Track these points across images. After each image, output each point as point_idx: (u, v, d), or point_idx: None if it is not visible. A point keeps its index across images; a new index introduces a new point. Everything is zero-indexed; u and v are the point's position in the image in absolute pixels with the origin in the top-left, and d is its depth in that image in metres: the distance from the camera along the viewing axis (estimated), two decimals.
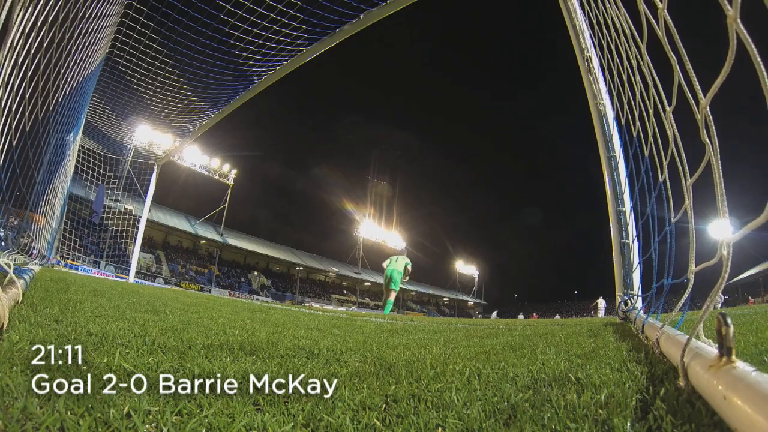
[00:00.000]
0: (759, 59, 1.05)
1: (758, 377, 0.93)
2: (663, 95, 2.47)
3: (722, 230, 1.29)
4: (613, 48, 4.74)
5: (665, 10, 1.78)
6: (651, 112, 2.98)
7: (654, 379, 1.58)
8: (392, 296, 14.21)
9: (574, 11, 7.41)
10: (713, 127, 1.39)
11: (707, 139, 1.41)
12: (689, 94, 1.59)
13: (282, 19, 11.57)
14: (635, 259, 5.56)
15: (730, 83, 1.25)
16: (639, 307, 4.67)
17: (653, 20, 2.03)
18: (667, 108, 2.16)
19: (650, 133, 3.11)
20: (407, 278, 14.54)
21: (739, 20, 1.11)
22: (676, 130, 2.22)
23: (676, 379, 1.41)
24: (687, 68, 1.60)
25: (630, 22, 3.28)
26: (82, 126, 15.28)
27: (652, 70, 2.74)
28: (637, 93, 3.61)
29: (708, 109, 1.40)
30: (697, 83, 1.53)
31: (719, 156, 1.36)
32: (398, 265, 14.44)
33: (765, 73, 1.03)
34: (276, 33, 12.06)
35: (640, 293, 5.12)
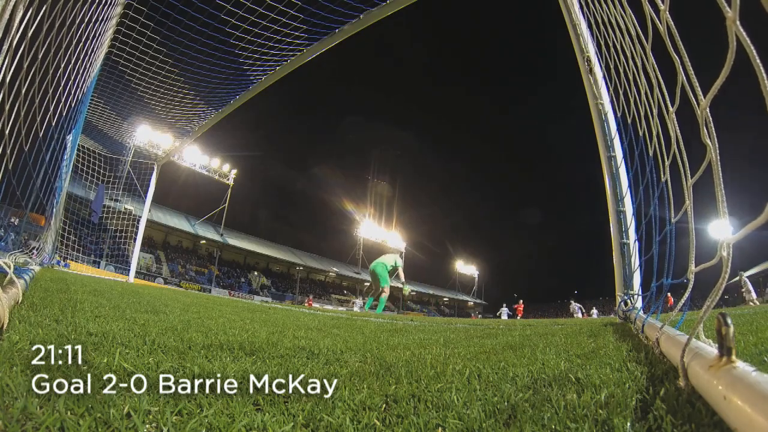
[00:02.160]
0: (758, 61, 1.05)
1: (758, 377, 0.93)
2: (666, 95, 2.47)
3: (722, 231, 1.29)
4: (611, 47, 4.74)
5: (667, 12, 1.78)
6: (655, 112, 2.98)
7: (654, 379, 1.58)
8: (384, 293, 13.56)
9: (574, 11, 7.42)
10: (713, 128, 1.39)
11: (708, 140, 1.41)
12: (691, 95, 1.59)
13: (282, 19, 11.57)
14: (635, 259, 5.56)
15: (733, 83, 1.25)
16: (639, 307, 4.67)
17: (657, 20, 2.03)
18: (670, 108, 2.16)
19: (645, 133, 3.12)
20: (402, 279, 14.08)
21: (738, 22, 1.11)
22: (678, 131, 2.22)
23: (676, 379, 1.41)
24: (688, 69, 1.60)
25: (635, 22, 3.28)
26: (82, 126, 15.26)
27: (657, 70, 2.74)
28: (635, 93, 3.62)
29: (708, 110, 1.39)
30: (697, 84, 1.53)
31: (719, 157, 1.36)
32: (384, 260, 14.03)
33: (765, 74, 1.03)
34: (276, 33, 12.06)
35: (640, 293, 5.12)
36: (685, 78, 1.68)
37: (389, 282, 13.81)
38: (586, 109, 6.96)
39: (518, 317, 30.53)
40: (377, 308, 13.49)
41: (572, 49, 7.47)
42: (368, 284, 14.87)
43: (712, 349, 1.27)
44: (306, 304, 32.72)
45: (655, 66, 2.74)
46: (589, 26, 6.63)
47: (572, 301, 29.44)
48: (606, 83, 6.65)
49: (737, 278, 18.59)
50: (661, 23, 1.84)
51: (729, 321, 1.07)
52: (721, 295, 1.28)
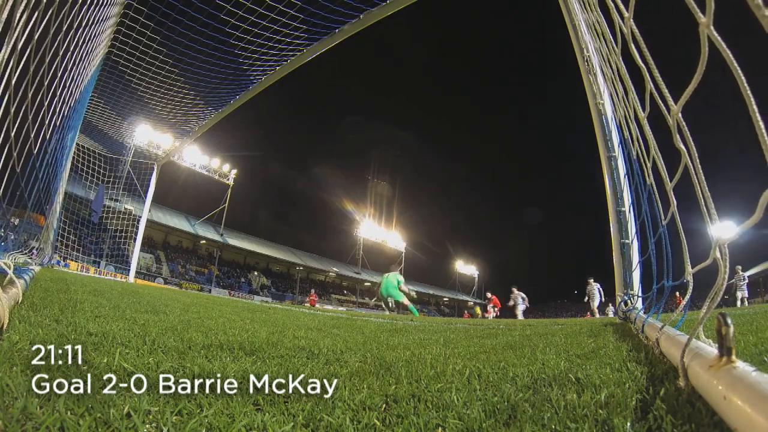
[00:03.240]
0: (736, 64, 1.05)
1: (758, 377, 0.93)
2: (637, 101, 2.48)
3: (716, 231, 1.29)
4: (601, 50, 4.75)
5: (631, 20, 1.79)
6: (631, 115, 2.98)
7: (654, 379, 1.58)
8: (406, 303, 15.00)
9: (573, 11, 7.42)
10: (687, 133, 1.39)
11: (681, 146, 1.41)
12: (660, 102, 1.58)
13: (282, 19, 11.57)
14: (635, 259, 5.56)
15: (721, 83, 1.25)
16: (639, 307, 4.67)
17: (624, 27, 2.03)
18: (641, 114, 2.17)
19: (629, 136, 3.11)
20: (407, 289, 15.33)
21: (712, 26, 1.12)
22: (651, 136, 2.22)
23: (676, 379, 1.41)
24: (655, 76, 1.60)
25: (604, 29, 3.29)
26: (80, 125, 15.25)
27: (625, 78, 2.75)
28: (621, 96, 3.62)
29: (680, 114, 1.39)
30: (666, 91, 1.52)
31: (698, 159, 1.36)
32: (390, 280, 15.33)
33: (743, 78, 1.03)
34: (276, 33, 12.06)
35: (640, 293, 5.12)
36: (652, 84, 1.68)
37: (402, 295, 15.20)
38: (586, 109, 6.96)
39: (493, 315, 25.36)
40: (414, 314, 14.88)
41: (572, 48, 7.47)
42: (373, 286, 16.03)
43: (712, 349, 1.27)
44: (308, 303, 30.74)
45: (625, 73, 2.74)
46: (588, 26, 6.64)
47: (515, 289, 22.67)
48: (605, 83, 6.65)
49: (734, 278, 18.47)
50: (625, 28, 1.84)
51: (729, 321, 1.07)
52: (721, 295, 1.28)
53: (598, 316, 19.66)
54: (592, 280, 20.82)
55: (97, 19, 6.78)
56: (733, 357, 1.08)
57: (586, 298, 20.89)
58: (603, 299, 20.76)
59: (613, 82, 4.33)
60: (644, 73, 1.70)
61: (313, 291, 30.42)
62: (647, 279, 4.07)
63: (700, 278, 1.82)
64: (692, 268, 1.81)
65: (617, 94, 3.86)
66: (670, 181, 1.87)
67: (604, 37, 4.26)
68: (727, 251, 1.29)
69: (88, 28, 5.79)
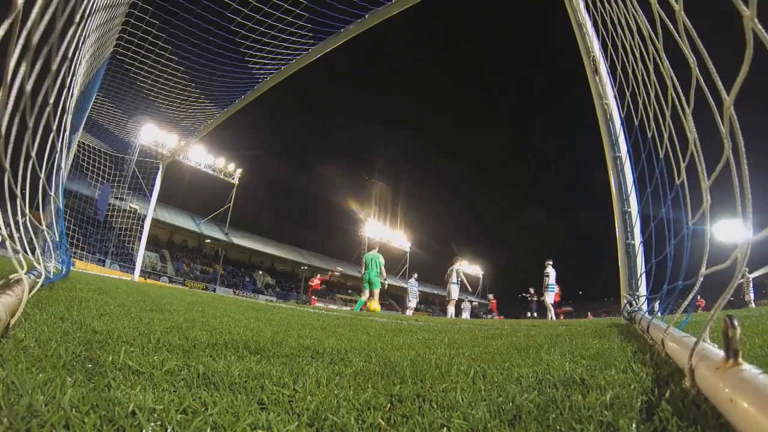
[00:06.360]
0: None
1: (765, 380, 0.92)
2: (675, 96, 2.44)
3: (739, 232, 1.27)
4: (619, 48, 4.71)
5: (683, 12, 1.76)
6: (668, 113, 2.93)
7: (659, 380, 1.57)
8: (375, 295, 14.45)
9: (579, 12, 7.38)
10: (738, 127, 1.36)
11: (728, 141, 1.37)
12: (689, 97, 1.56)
13: (287, 18, 11.58)
14: (641, 260, 5.52)
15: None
16: (644, 308, 4.65)
17: (667, 19, 2.00)
18: (687, 110, 2.13)
19: (655, 134, 3.07)
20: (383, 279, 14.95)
21: (756, 19, 1.09)
22: (695, 132, 2.19)
23: (682, 380, 1.41)
24: (709, 68, 1.57)
25: (645, 22, 3.24)
26: (83, 124, 15.32)
27: (671, 71, 2.70)
28: (644, 93, 3.59)
29: (732, 109, 1.36)
30: (696, 85, 1.50)
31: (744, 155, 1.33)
32: (377, 258, 14.96)
33: None
34: (281, 32, 12.07)
35: (646, 294, 5.09)
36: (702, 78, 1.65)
37: (379, 285, 14.81)
38: (591, 109, 6.94)
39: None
40: (356, 307, 14.41)
41: (578, 47, 7.44)
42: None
43: (718, 351, 1.26)
44: (315, 283, 28.20)
45: (669, 67, 2.70)
46: (595, 26, 6.60)
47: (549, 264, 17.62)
48: (611, 83, 6.62)
49: (742, 280, 18.30)
50: (677, 22, 1.81)
51: (736, 323, 1.07)
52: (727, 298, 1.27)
53: (553, 316, 16.76)
54: (550, 264, 17.31)
55: (107, 18, 6.80)
56: (740, 359, 1.07)
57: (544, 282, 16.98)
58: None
59: (629, 80, 4.30)
60: (693, 66, 1.67)
61: (318, 275, 28.81)
62: (657, 280, 4.04)
63: (707, 278, 1.80)
64: (706, 269, 1.78)
65: (639, 93, 3.81)
66: (707, 179, 1.83)
67: (631, 32, 4.23)
68: (748, 251, 1.27)
69: (93, 22, 5.81)
